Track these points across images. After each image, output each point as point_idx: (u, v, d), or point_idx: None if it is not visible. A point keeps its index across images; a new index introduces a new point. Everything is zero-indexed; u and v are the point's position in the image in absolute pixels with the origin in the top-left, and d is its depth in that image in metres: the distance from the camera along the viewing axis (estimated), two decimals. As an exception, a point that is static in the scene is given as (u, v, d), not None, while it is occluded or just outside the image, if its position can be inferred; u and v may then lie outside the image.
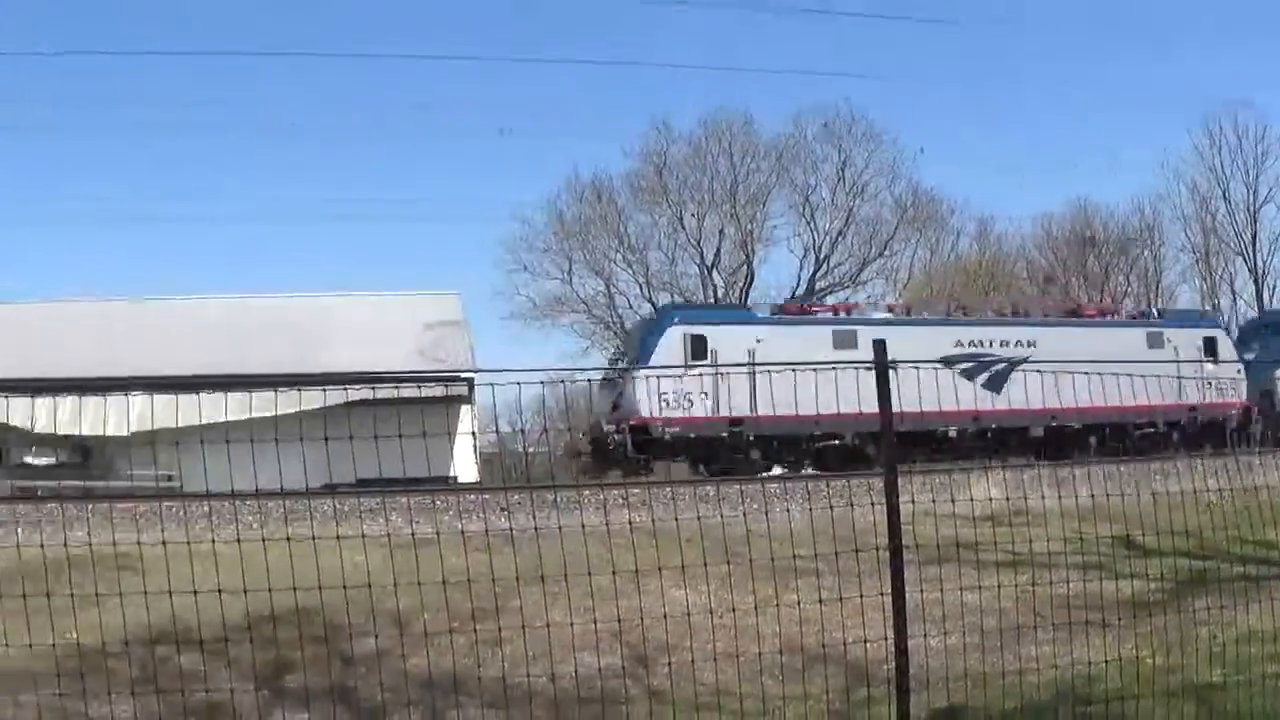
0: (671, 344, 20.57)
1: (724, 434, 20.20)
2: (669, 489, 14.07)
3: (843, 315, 23.31)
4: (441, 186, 67.86)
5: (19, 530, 10.06)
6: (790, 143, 42.48)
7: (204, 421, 8.89)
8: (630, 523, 6.46)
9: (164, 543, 4.76)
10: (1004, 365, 21.08)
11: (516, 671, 6.31)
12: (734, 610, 6.32)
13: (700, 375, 19.37)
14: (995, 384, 20.95)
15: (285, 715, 5.97)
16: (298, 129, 65.68)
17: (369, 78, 61.82)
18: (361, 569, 5.00)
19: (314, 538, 4.85)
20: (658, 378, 18.95)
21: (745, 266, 43.28)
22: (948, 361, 20.68)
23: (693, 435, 20.15)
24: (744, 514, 6.61)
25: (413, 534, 6.37)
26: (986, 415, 20.33)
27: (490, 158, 67.79)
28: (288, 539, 4.59)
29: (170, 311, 24.36)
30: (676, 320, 21.42)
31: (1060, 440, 21.48)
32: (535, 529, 6.16)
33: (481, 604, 6.71)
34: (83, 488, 18.55)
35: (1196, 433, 22.18)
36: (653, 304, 39.73)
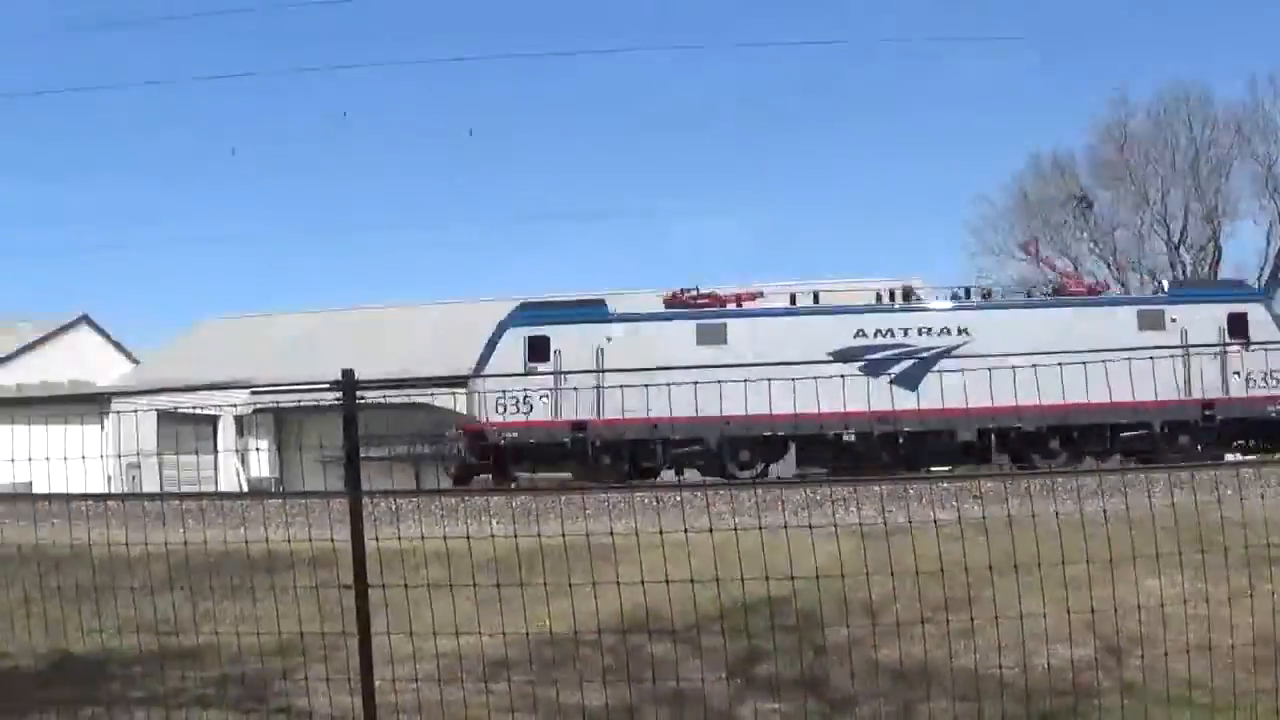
0: (510, 346, 20.87)
1: (565, 439, 20.38)
2: (1144, 475, 14.43)
3: (716, 307, 21.81)
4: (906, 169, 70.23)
5: (492, 523, 11.52)
6: (1250, 112, 43.47)
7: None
8: (1104, 510, 6.19)
9: (636, 532, 5.23)
10: (922, 358, 20.02)
11: (987, 662, 6.31)
12: (1207, 601, 6.43)
13: (541, 378, 20.03)
14: (909, 380, 19.85)
15: (755, 705, 6.31)
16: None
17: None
18: (833, 558, 5.16)
19: (785, 526, 5.09)
20: (497, 380, 20.05)
21: (1212, 243, 44.15)
22: (841, 356, 19.88)
23: (531, 440, 20.46)
24: (1219, 500, 6.14)
25: (884, 522, 6.48)
26: (895, 415, 18.78)
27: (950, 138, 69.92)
28: (760, 528, 4.86)
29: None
30: (516, 321, 21.40)
31: (1014, 445, 19.99)
32: (1009, 516, 6.04)
33: (954, 594, 6.73)
34: (559, 481, 20.29)
35: (1219, 435, 19.73)
36: (1123, 285, 42.01)
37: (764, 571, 5.06)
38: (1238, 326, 20.51)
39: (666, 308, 22.13)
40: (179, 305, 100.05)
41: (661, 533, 4.97)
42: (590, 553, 6.48)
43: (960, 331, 20.51)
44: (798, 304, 21.99)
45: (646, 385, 16.89)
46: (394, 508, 12.34)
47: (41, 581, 6.63)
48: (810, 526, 5.30)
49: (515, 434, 20.54)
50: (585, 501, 11.53)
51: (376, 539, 5.19)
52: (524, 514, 11.08)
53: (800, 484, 12.38)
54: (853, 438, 20.03)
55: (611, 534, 5.61)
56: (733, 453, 20.37)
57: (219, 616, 7.53)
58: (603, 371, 19.46)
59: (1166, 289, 23.61)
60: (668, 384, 15.13)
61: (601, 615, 6.01)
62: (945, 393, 16.94)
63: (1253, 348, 19.90)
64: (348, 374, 4.84)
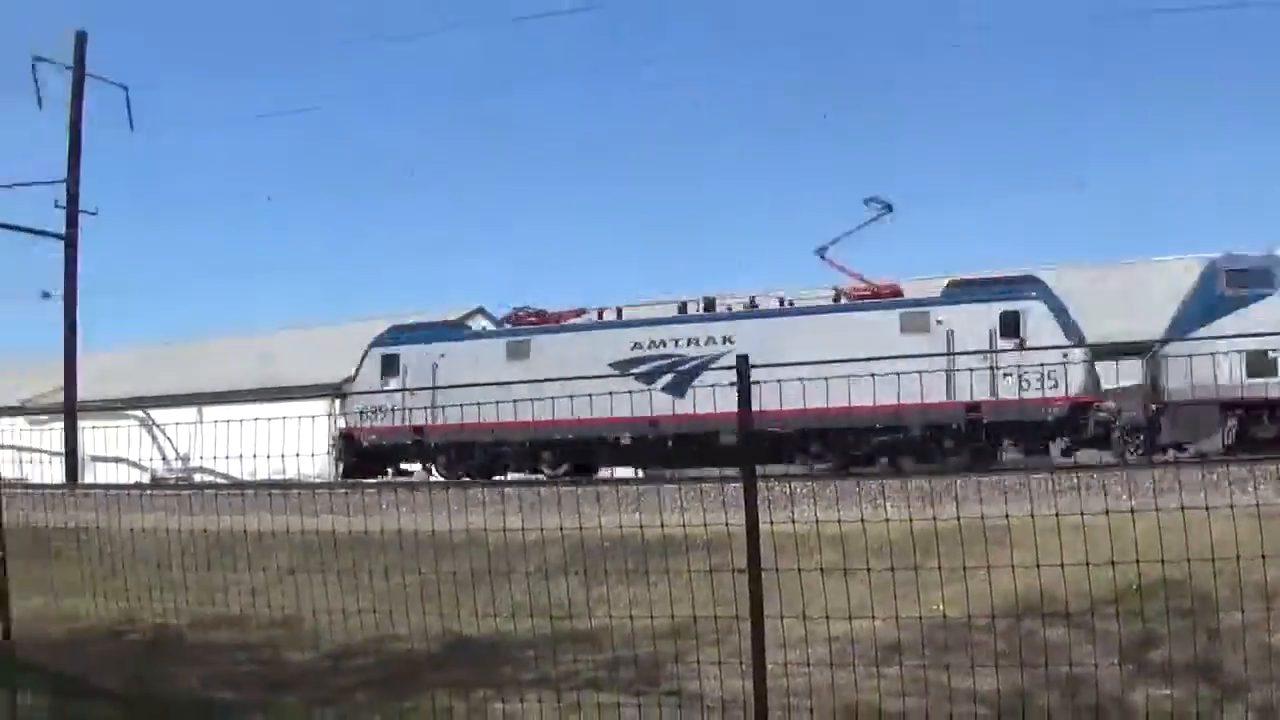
0: (370, 363, 28.16)
1: (409, 441, 26.65)
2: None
3: (528, 326, 27.29)
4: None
5: (886, 507, 12.34)
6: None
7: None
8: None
9: (1031, 515, 5.83)
10: (686, 366, 23.91)
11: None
12: None
13: (392, 389, 26.44)
14: (677, 388, 23.66)
15: (1148, 691, 6.72)
16: None
17: None
18: (1228, 541, 5.54)
19: (1182, 508, 5.52)
20: (365, 392, 27.52)
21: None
22: (619, 367, 24.42)
23: (384, 443, 27.07)
24: None
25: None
26: (666, 421, 23.26)
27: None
28: (1155, 509, 5.33)
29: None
30: (379, 342, 28.47)
31: (774, 448, 22.00)
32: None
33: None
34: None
35: (986, 438, 21.96)
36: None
37: (1160, 554, 5.49)
38: (1010, 326, 22.48)
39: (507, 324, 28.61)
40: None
41: (1057, 515, 5.51)
42: (985, 536, 7.08)
43: (725, 340, 24.21)
44: (604, 319, 26.76)
45: (462, 401, 22.19)
46: (789, 491, 13.44)
47: (437, 566, 8.01)
48: (1206, 509, 5.64)
49: (375, 437, 27.36)
50: (980, 485, 12.19)
51: (770, 523, 6.03)
52: (918, 498, 11.81)
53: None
54: (629, 441, 24.78)
55: (1006, 517, 6.22)
56: (535, 455, 25.67)
57: (613, 600, 8.74)
58: (435, 388, 25.50)
59: (952, 287, 24.95)
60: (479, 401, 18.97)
61: (995, 599, 6.60)
62: (707, 399, 17.83)
63: (1025, 345, 21.85)
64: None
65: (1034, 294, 23.38)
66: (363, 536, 9.84)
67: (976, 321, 22.64)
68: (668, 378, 24.51)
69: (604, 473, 26.08)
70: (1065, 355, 21.70)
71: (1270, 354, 19.84)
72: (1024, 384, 21.66)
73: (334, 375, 34.34)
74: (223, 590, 10.59)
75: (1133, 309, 28.90)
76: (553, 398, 16.94)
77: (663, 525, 7.49)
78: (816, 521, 7.62)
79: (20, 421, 35.68)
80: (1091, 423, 22.00)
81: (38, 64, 44.98)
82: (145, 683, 10.09)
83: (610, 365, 24.62)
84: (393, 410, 26.88)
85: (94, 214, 49.20)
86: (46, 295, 45.30)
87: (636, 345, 25.17)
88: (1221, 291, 21.30)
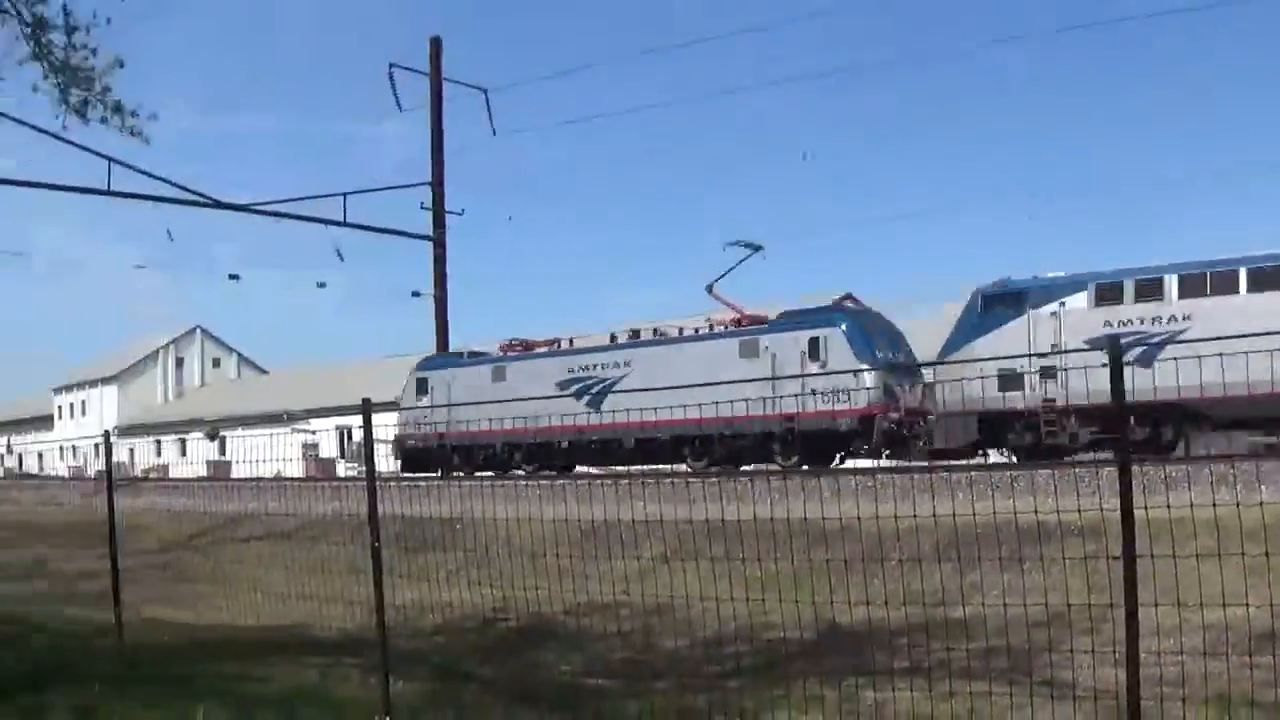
0: (409, 385, 41.84)
1: (435, 445, 39.28)
2: None
3: (502, 354, 40.67)
4: None
5: (1262, 490, 12.34)
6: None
7: None
8: None
9: None
10: (599, 386, 35.60)
11: None
12: None
13: (429, 404, 39.87)
14: (595, 403, 34.97)
15: None
16: None
17: None
18: None
19: None
20: (411, 407, 41.29)
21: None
22: (560, 386, 36.01)
23: (420, 445, 39.77)
24: None
25: None
26: (588, 429, 34.20)
27: None
28: None
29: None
30: (416, 369, 42.45)
31: (656, 451, 33.58)
32: None
33: None
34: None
35: (801, 445, 30.27)
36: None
37: None
38: (814, 350, 30.55)
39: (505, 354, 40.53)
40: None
41: None
42: None
43: (625, 364, 35.06)
44: (561, 348, 38.61)
45: (468, 416, 36.26)
46: (1164, 475, 13.78)
47: (809, 553, 8.94)
48: None
49: (413, 442, 40.40)
50: None
51: (1145, 508, 6.49)
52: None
53: None
54: (567, 445, 35.60)
55: None
56: (510, 455, 37.45)
57: (986, 588, 9.41)
58: (450, 405, 37.95)
59: (778, 318, 33.40)
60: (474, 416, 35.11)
61: None
62: (614, 412, 31.21)
63: (827, 366, 29.35)
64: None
65: (835, 322, 31.39)
66: (734, 524, 10.91)
67: (791, 346, 31.08)
68: (588, 396, 35.68)
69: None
70: (856, 376, 29.16)
71: (1019, 370, 26.33)
72: (824, 399, 29.05)
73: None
74: (595, 578, 11.94)
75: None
76: (517, 414, 30.46)
77: (1036, 511, 8.04)
78: (1191, 506, 7.88)
79: (390, 417, 40.80)
80: (877, 431, 29.06)
81: (395, 71, 50.53)
82: (517, 669, 11.62)
83: (556, 385, 36.25)
84: (423, 422, 40.26)
85: (460, 214, 54.56)
86: (416, 294, 51.31)
87: (570, 370, 36.75)
88: (979, 316, 28.40)
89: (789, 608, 8.62)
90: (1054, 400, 26.04)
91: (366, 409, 8.51)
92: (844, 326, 30.69)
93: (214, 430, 50.14)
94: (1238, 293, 24.69)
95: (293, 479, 38.50)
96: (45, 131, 36.45)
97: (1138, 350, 24.47)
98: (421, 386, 42.23)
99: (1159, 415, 24.63)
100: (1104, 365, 5.72)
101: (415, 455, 40.77)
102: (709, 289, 36.03)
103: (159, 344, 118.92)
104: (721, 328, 34.35)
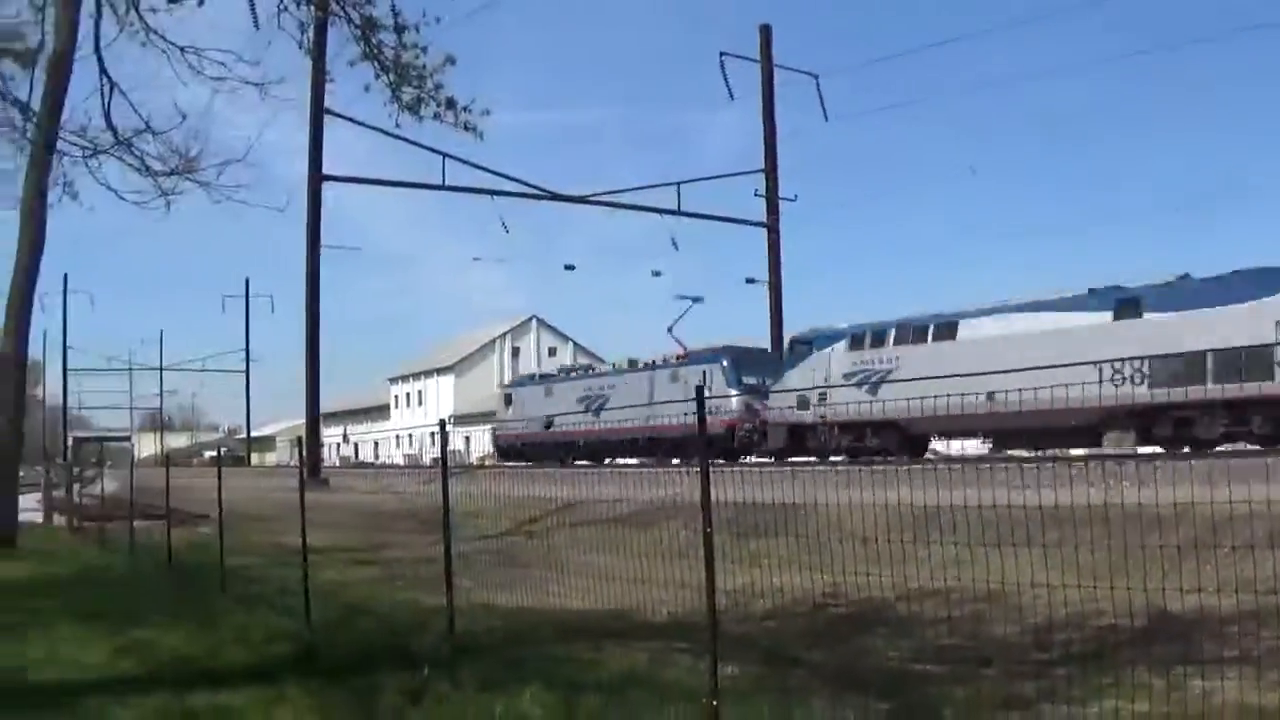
0: (500, 398, 72.47)
1: (519, 444, 64.45)
2: None
3: (554, 376, 68.58)
4: None
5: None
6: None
7: None
8: None
9: None
10: (599, 403, 57.30)
11: None
12: None
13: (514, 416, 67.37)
14: (596, 414, 56.48)
15: None
16: None
17: None
18: None
19: None
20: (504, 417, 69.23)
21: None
22: (580, 402, 58.74)
23: (508, 445, 66.18)
24: None
25: None
26: (590, 434, 56.61)
27: None
28: None
29: None
30: (506, 386, 79.15)
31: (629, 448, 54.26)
32: None
33: None
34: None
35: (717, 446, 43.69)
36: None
37: None
38: (705, 379, 46.64)
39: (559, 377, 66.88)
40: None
41: None
42: None
43: (611, 388, 57.56)
44: (577, 375, 65.26)
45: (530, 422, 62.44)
46: None
47: (1143, 540, 9.28)
48: None
49: (502, 443, 67.50)
50: None
51: None
52: None
53: None
54: (583, 444, 57.71)
55: None
56: (570, 450, 57.87)
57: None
58: (528, 420, 63.11)
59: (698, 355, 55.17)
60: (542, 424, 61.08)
61: None
62: (611, 421, 54.79)
63: (712, 391, 41.99)
64: None
65: (718, 359, 51.04)
66: (1069, 511, 11.29)
67: (696, 376, 45.98)
68: (596, 406, 57.01)
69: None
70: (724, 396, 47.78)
71: (808, 396, 41.41)
72: (717, 413, 44.77)
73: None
74: (927, 563, 12.49)
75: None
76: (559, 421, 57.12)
77: None
78: None
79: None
80: (735, 436, 47.25)
81: (726, 60, 51.94)
82: (845, 655, 12.35)
83: (576, 401, 58.71)
84: (514, 426, 65.04)
85: (793, 200, 55.84)
86: (750, 281, 54.24)
87: (587, 389, 59.79)
88: (790, 355, 46.85)
89: (1120, 594, 9.01)
90: (824, 416, 41.51)
91: (700, 398, 9.26)
92: (724, 363, 50.71)
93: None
94: (925, 342, 39.05)
95: (626, 465, 47.19)
96: (377, 129, 39.89)
97: (870, 383, 39.67)
98: (507, 400, 69.25)
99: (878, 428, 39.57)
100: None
101: (509, 451, 65.30)
102: (669, 329, 56.71)
103: (496, 334, 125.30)
104: (673, 360, 55.04)
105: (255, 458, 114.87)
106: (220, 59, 18.84)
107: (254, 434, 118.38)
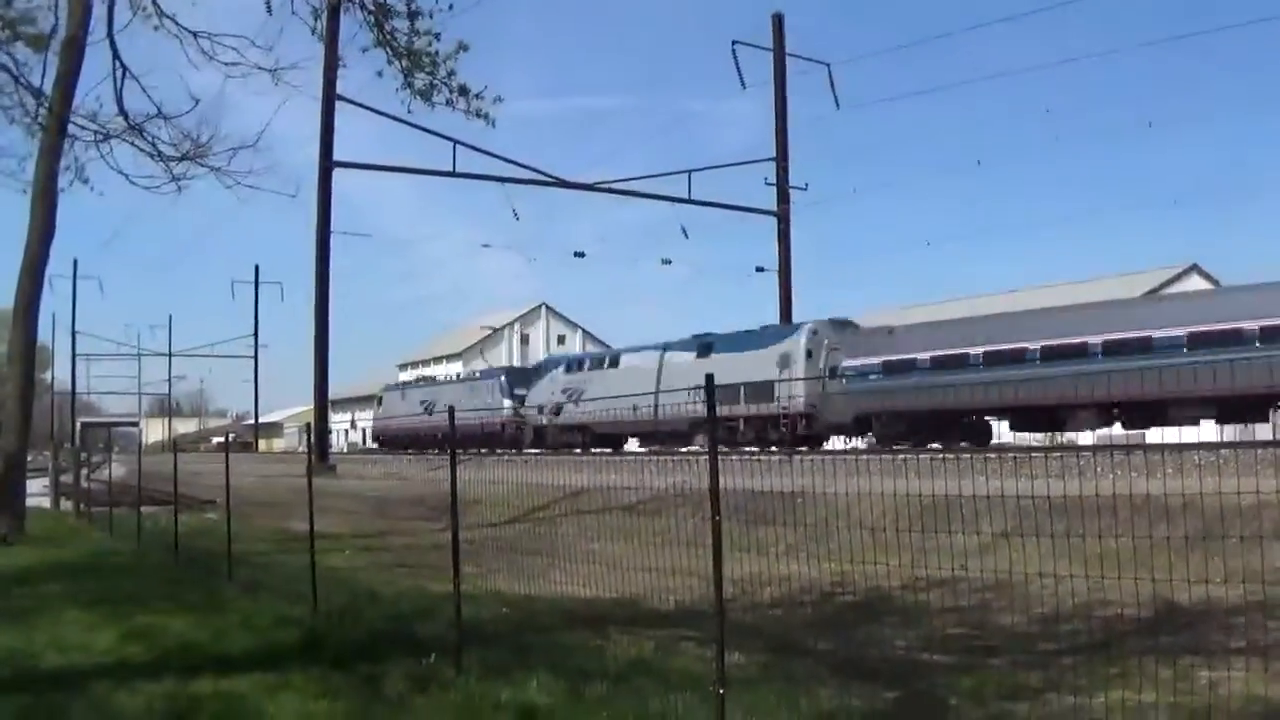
0: (376, 401, 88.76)
1: (529, 425, 63.93)
2: None
3: (413, 384, 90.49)
4: None
5: None
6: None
7: None
8: None
9: None
10: (432, 405, 69.40)
11: None
12: None
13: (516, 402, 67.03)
14: (579, 404, 57.49)
15: None
16: None
17: None
18: None
19: None
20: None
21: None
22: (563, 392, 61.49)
23: (385, 436, 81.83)
24: None
25: None
26: (429, 427, 66.75)
27: None
28: None
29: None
30: (498, 375, 71.49)
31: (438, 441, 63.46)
32: None
33: None
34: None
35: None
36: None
37: None
38: (490, 392, 67.76)
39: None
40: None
41: None
42: None
43: (438, 394, 72.55)
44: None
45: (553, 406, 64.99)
46: None
47: (1150, 530, 9.33)
48: None
49: (376, 434, 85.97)
50: None
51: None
52: None
53: None
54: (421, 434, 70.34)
55: None
56: (415, 440, 69.88)
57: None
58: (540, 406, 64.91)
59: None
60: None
61: None
62: (439, 419, 61.41)
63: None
64: None
65: (497, 377, 68.07)
66: (1076, 501, 11.31)
67: (484, 389, 64.92)
68: (429, 409, 65.85)
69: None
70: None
71: (545, 404, 59.60)
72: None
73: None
74: (934, 553, 12.50)
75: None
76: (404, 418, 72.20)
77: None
78: None
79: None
80: (505, 431, 62.17)
81: (738, 48, 51.84)
82: (852, 644, 12.37)
83: (419, 404, 70.70)
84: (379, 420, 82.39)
85: (804, 189, 55.75)
86: (760, 269, 54.07)
87: (424, 395, 74.55)
88: (536, 373, 66.45)
89: (1127, 585, 9.02)
90: (548, 421, 57.95)
91: (710, 387, 9.23)
92: (501, 379, 66.46)
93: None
94: (602, 369, 57.36)
95: (636, 453, 47.42)
96: (388, 115, 39.79)
97: (572, 399, 56.52)
98: (379, 402, 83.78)
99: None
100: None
101: (379, 439, 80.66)
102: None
103: (505, 321, 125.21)
104: (474, 375, 72.56)
105: (263, 444, 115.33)
106: (233, 44, 18.76)
107: (262, 420, 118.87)
